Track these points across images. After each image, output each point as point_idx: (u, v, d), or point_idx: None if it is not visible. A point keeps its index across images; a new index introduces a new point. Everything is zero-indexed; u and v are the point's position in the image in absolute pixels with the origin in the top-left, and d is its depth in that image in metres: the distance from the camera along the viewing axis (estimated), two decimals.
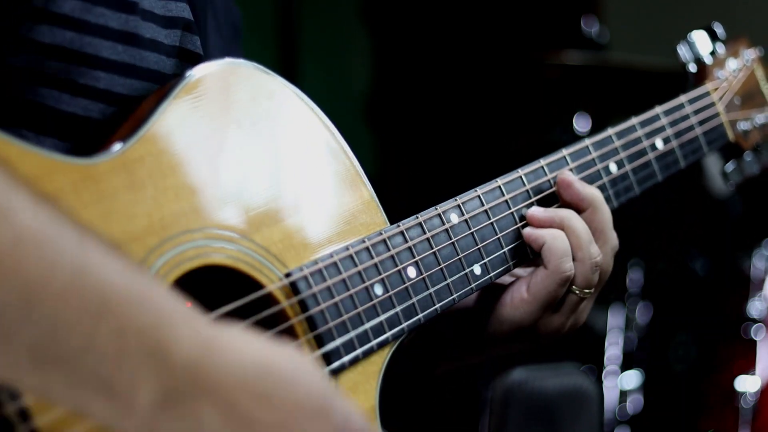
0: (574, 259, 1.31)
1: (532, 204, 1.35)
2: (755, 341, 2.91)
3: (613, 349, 3.20)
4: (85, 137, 1.09)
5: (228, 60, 1.15)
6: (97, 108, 1.10)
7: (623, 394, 3.14)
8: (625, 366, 3.16)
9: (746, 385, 2.86)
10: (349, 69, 4.79)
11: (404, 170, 4.71)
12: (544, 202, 1.36)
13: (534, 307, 1.32)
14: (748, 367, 2.88)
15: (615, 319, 3.23)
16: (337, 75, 4.72)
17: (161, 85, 1.14)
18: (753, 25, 2.45)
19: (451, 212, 1.27)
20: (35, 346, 0.82)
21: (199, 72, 1.12)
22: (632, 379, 3.15)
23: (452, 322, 1.38)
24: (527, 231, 1.33)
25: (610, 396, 3.12)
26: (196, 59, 1.20)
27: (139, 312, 0.85)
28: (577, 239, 1.31)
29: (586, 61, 3.32)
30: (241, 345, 0.89)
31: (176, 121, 1.09)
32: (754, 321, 2.92)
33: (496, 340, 1.36)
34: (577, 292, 1.33)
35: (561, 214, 1.33)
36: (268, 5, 4.10)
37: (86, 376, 0.83)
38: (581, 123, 3.30)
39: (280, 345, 0.92)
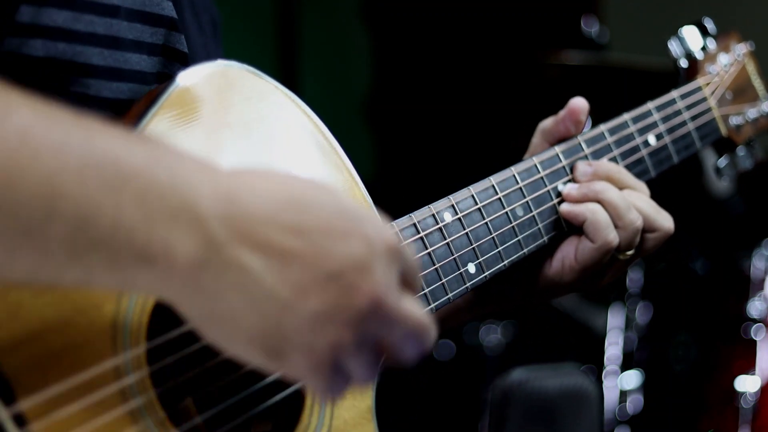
0: (615, 227, 1.35)
1: (526, 202, 1.35)
2: (755, 341, 2.90)
3: (613, 349, 3.19)
4: None
5: (219, 62, 1.15)
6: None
7: (623, 394, 3.12)
8: (625, 366, 3.15)
9: (746, 385, 2.85)
10: (349, 69, 4.79)
11: (404, 169, 4.71)
12: (540, 200, 1.37)
13: (582, 274, 1.38)
14: (748, 367, 2.87)
15: (615, 319, 3.22)
16: (337, 75, 4.72)
17: (145, 85, 1.14)
18: (753, 25, 2.45)
19: (444, 212, 1.27)
20: (69, 236, 0.82)
21: (189, 74, 1.12)
22: (632, 379, 3.14)
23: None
24: (565, 207, 1.37)
25: (610, 396, 3.11)
26: (181, 57, 1.20)
27: (154, 176, 0.84)
28: (615, 210, 1.35)
29: (586, 61, 3.31)
30: (260, 183, 0.89)
31: (167, 124, 1.08)
32: (754, 321, 2.91)
33: (538, 293, 1.43)
34: (620, 256, 1.38)
35: (595, 188, 1.37)
36: (268, 5, 4.10)
37: (123, 252, 0.83)
38: None
39: (292, 176, 0.93)
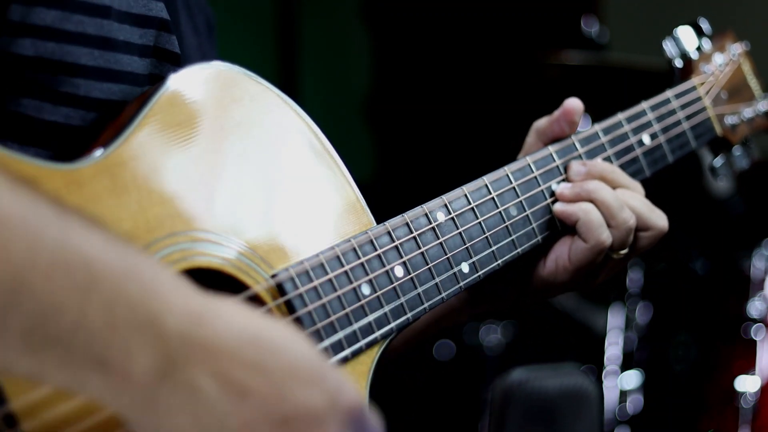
0: (608, 227, 1.35)
1: (520, 201, 1.35)
2: (755, 341, 2.89)
3: (613, 349, 3.19)
4: (67, 144, 1.09)
5: (211, 64, 1.15)
6: (77, 115, 1.10)
7: (623, 394, 3.12)
8: (625, 366, 3.15)
9: (746, 385, 2.84)
10: (349, 69, 4.79)
11: (404, 169, 4.71)
12: (533, 199, 1.37)
13: (575, 274, 1.38)
14: (748, 367, 2.87)
15: (615, 319, 3.22)
16: (337, 75, 4.72)
17: (137, 87, 1.14)
18: (752, 25, 2.45)
19: (437, 211, 1.27)
20: (27, 329, 0.81)
21: (181, 76, 1.12)
22: (632, 379, 3.14)
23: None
24: (558, 207, 1.37)
25: (610, 396, 3.11)
26: (173, 58, 1.20)
27: (126, 285, 0.84)
28: (608, 209, 1.35)
29: (586, 61, 3.31)
30: (232, 315, 0.89)
31: (159, 125, 1.08)
32: (754, 321, 2.91)
33: (532, 293, 1.43)
34: (614, 256, 1.38)
35: (588, 187, 1.37)
36: (268, 5, 4.11)
37: (80, 353, 0.83)
38: (581, 123, 3.28)
39: (269, 318, 0.92)
